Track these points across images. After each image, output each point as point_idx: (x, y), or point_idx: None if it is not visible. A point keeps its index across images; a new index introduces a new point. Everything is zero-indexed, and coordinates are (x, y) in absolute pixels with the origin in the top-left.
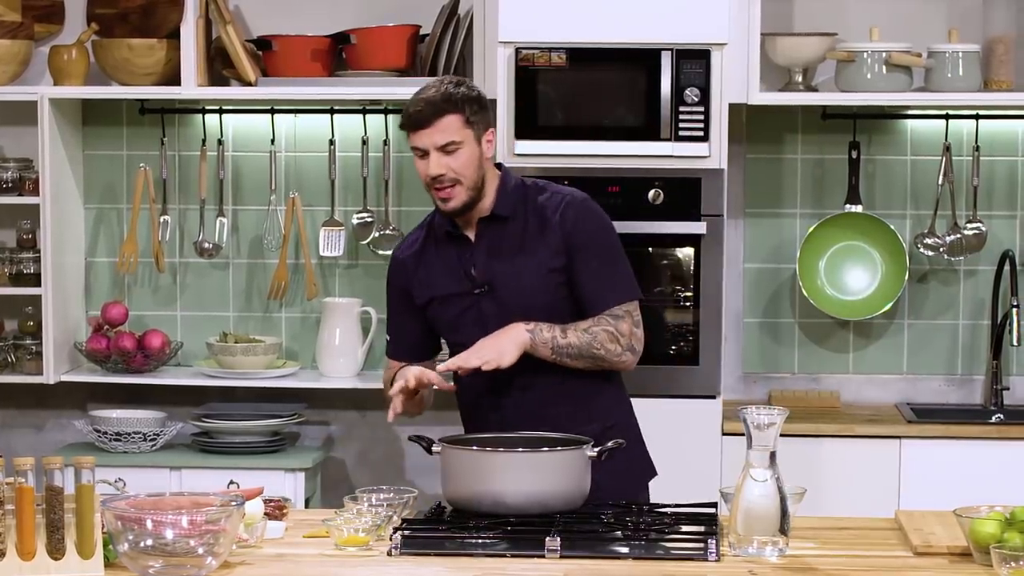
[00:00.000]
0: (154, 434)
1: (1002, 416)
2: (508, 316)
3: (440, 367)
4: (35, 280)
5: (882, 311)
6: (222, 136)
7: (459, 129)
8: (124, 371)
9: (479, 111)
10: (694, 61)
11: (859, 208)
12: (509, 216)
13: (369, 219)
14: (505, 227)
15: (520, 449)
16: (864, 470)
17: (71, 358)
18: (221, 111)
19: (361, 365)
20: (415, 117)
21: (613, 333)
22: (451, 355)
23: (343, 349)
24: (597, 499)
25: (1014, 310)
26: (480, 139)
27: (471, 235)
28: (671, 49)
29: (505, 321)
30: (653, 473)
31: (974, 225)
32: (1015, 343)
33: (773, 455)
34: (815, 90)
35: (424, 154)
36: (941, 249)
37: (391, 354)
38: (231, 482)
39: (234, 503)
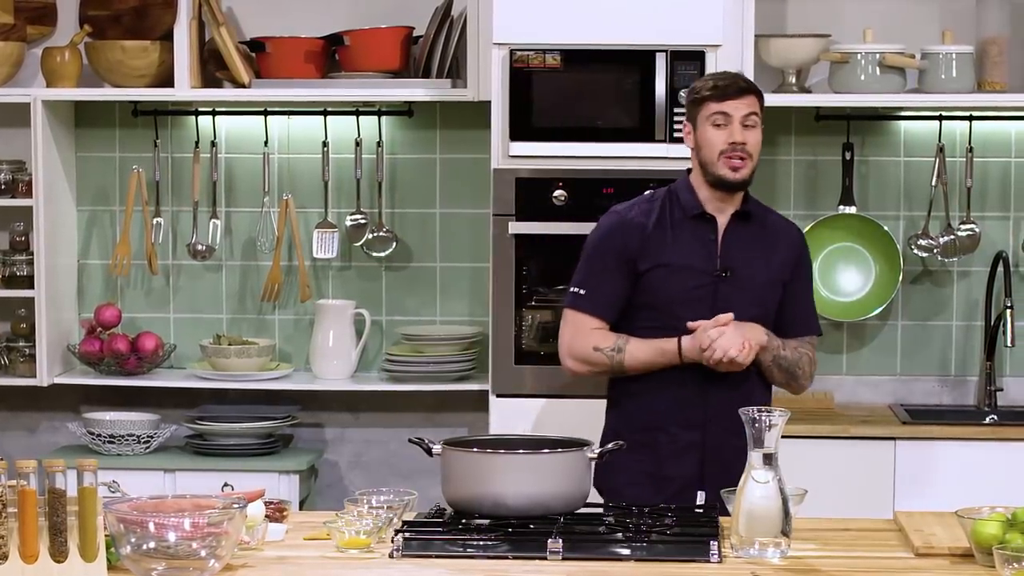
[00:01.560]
0: (148, 436)
1: (996, 417)
2: (741, 304)
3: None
4: (28, 282)
5: (876, 312)
6: (215, 138)
7: (758, 109)
8: (117, 373)
9: (763, 109)
10: (688, 62)
11: (853, 209)
12: (755, 217)
13: (363, 221)
14: (750, 225)
15: (521, 451)
16: (859, 471)
17: (64, 360)
18: (214, 113)
19: (355, 367)
20: (732, 86)
21: (811, 359)
22: (633, 330)
23: (337, 351)
24: None
25: (1008, 311)
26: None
27: (721, 221)
28: (665, 50)
29: (736, 308)
30: None
31: (968, 226)
32: (1009, 344)
33: (775, 456)
34: (808, 91)
35: (725, 122)
36: (935, 250)
37: (587, 308)
38: (225, 484)
39: (236, 505)
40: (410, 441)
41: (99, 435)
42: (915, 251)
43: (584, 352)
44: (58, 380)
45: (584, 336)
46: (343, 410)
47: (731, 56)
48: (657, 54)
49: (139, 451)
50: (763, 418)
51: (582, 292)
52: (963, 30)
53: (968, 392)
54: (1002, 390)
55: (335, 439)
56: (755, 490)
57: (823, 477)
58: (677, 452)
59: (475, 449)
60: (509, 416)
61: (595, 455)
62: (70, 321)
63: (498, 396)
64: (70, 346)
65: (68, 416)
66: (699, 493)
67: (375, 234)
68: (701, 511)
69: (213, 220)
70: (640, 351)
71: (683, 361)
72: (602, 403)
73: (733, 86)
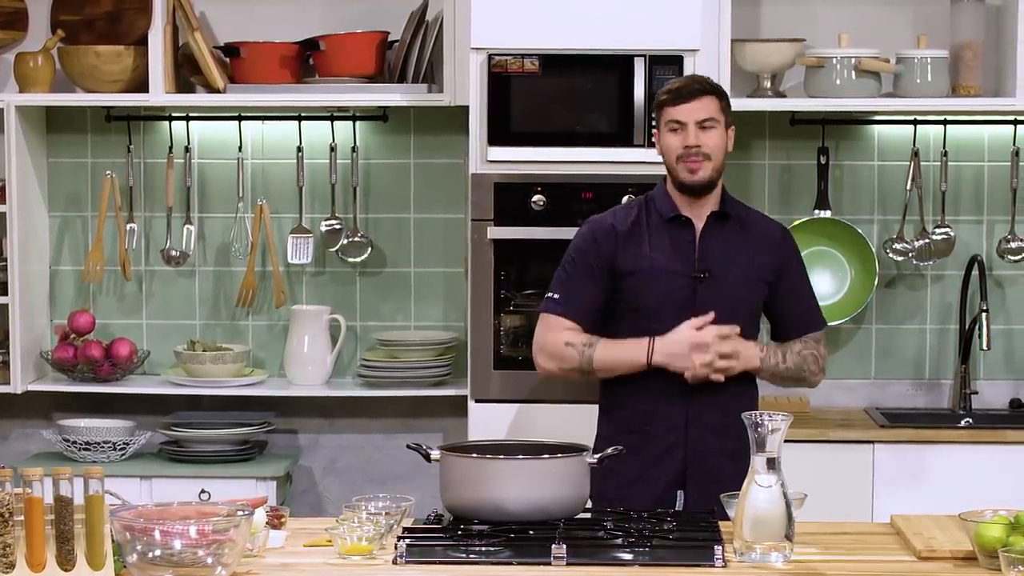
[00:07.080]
0: (123, 443)
1: (971, 420)
2: (720, 305)
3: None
4: (1, 289)
5: (851, 316)
6: (189, 143)
7: (716, 111)
8: (91, 380)
9: (728, 106)
10: (666, 67)
11: (827, 213)
12: (734, 216)
13: (337, 226)
14: (729, 225)
15: (521, 456)
16: (838, 475)
17: (37, 367)
18: (188, 118)
19: (330, 373)
20: (683, 90)
21: (816, 356)
22: (617, 336)
23: (311, 357)
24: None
25: (983, 314)
26: (727, 129)
27: (697, 223)
28: (644, 55)
29: (715, 309)
30: None
31: (942, 230)
32: (984, 347)
33: (777, 460)
34: (784, 96)
35: (679, 128)
36: (909, 254)
37: (562, 312)
38: (202, 491)
39: (242, 513)
40: (408, 447)
41: (74, 442)
42: (890, 255)
43: (556, 347)
44: (31, 387)
45: (557, 333)
46: (318, 416)
47: (708, 61)
48: (636, 59)
49: (114, 458)
50: (766, 422)
51: (556, 296)
52: (938, 35)
53: (942, 396)
54: (977, 393)
55: (309, 445)
56: (759, 494)
57: (802, 481)
58: (660, 454)
59: (475, 454)
60: (487, 421)
61: (594, 460)
62: (43, 328)
63: (476, 401)
64: (43, 353)
65: (41, 423)
66: (678, 493)
67: (350, 239)
68: (699, 516)
69: (187, 226)
70: (609, 350)
71: (651, 367)
72: (581, 408)
73: (686, 88)
